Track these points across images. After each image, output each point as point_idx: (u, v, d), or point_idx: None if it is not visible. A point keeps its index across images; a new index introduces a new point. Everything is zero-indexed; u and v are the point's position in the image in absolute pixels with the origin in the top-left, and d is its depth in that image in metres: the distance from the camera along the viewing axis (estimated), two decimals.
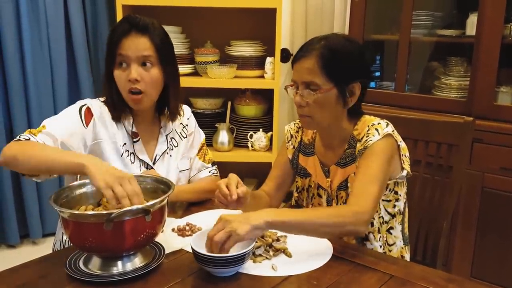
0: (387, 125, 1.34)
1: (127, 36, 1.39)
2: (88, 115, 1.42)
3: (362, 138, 1.34)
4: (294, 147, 1.54)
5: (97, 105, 1.46)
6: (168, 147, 1.56)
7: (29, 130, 1.34)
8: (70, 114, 1.42)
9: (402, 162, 1.36)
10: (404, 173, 1.36)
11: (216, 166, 1.68)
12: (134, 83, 1.39)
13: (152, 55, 1.41)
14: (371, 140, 1.30)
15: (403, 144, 1.36)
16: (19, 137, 1.31)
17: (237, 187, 1.28)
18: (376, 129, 1.32)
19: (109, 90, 1.46)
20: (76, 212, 1.08)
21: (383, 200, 1.38)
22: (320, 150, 1.47)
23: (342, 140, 1.40)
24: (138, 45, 1.39)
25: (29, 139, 1.29)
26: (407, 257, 1.45)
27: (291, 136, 1.55)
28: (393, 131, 1.33)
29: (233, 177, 1.30)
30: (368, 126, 1.34)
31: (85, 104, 1.44)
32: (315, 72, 1.29)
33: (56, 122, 1.38)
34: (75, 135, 1.38)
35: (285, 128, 1.58)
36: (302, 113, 1.34)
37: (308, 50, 1.31)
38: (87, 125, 1.41)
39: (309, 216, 1.17)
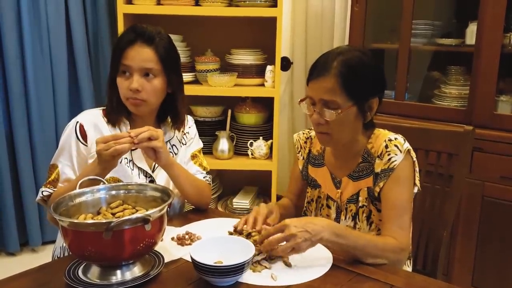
0: (404, 140, 1.33)
1: (132, 46, 1.41)
2: (83, 132, 1.44)
3: (382, 155, 1.32)
4: (303, 158, 1.54)
5: (91, 116, 1.48)
6: None
7: (47, 184, 1.45)
8: (72, 142, 1.44)
9: (415, 178, 1.35)
10: (415, 189, 1.35)
11: (210, 176, 1.66)
12: (135, 93, 1.41)
13: (155, 67, 1.42)
14: (395, 160, 1.30)
15: (415, 160, 1.35)
16: (42, 193, 1.43)
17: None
18: (396, 146, 1.31)
19: (110, 95, 1.48)
20: (76, 221, 1.08)
21: None
22: (330, 161, 1.46)
23: (355, 153, 1.39)
24: (141, 56, 1.40)
25: (51, 193, 1.42)
26: (409, 269, 1.44)
27: (300, 146, 1.55)
28: (409, 145, 1.33)
29: (262, 211, 1.36)
30: (385, 141, 1.33)
31: (77, 122, 1.46)
32: (335, 92, 1.26)
33: (66, 160, 1.45)
34: (84, 158, 1.44)
35: (294, 137, 1.58)
36: (321, 130, 1.32)
37: (326, 68, 1.27)
38: (87, 142, 1.44)
39: (364, 246, 1.20)
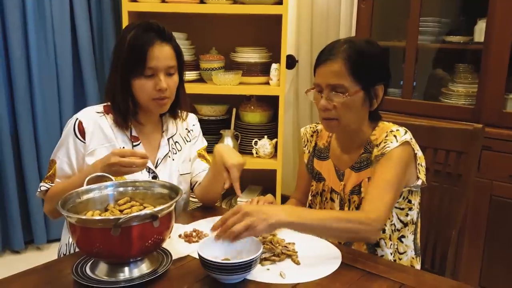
0: (406, 132, 1.33)
1: (153, 45, 1.39)
2: (82, 129, 1.44)
3: (379, 144, 1.32)
4: (309, 151, 1.55)
5: (91, 113, 1.47)
6: (170, 150, 1.55)
7: (45, 179, 1.47)
8: (70, 138, 1.45)
9: (418, 171, 1.34)
10: (419, 182, 1.34)
11: None
12: (163, 92, 1.41)
13: (175, 64, 1.44)
14: (388, 147, 1.29)
15: (420, 153, 1.35)
16: (40, 188, 1.47)
17: None
18: (395, 136, 1.31)
19: (123, 98, 1.44)
20: (84, 217, 1.07)
21: (396, 207, 1.36)
22: (335, 154, 1.46)
23: (359, 144, 1.39)
24: (165, 54, 1.41)
25: (48, 189, 1.46)
26: (418, 267, 1.43)
27: (307, 140, 1.56)
28: (411, 139, 1.32)
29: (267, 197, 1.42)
30: (387, 132, 1.33)
31: (76, 119, 1.45)
32: (343, 75, 1.28)
33: (64, 156, 1.45)
34: (81, 155, 1.44)
35: (301, 131, 1.58)
36: (328, 116, 1.32)
37: (333, 53, 1.29)
38: (85, 139, 1.44)
39: (325, 219, 1.17)
